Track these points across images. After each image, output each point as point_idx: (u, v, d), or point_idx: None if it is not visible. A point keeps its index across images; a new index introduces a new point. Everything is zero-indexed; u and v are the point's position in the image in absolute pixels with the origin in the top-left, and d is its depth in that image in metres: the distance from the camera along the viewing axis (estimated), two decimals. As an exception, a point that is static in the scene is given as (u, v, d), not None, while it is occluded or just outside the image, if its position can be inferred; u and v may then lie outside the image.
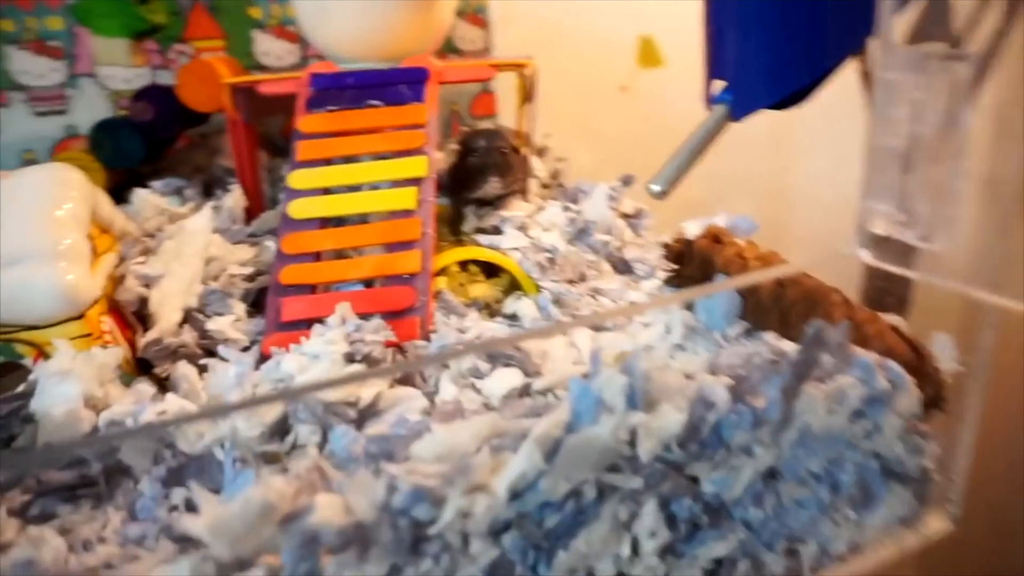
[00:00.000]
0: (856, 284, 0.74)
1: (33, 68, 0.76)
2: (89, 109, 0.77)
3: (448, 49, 0.93)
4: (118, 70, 0.77)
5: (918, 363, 0.43)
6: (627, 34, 1.08)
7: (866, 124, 0.40)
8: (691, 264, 0.49)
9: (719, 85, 0.43)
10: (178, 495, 0.35)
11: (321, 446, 0.37)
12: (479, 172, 0.57)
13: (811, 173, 0.95)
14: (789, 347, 0.43)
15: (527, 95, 0.64)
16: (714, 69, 0.43)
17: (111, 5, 0.68)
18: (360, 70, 0.59)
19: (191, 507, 0.34)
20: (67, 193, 0.44)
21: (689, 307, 0.51)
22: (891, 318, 0.46)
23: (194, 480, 0.35)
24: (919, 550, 0.46)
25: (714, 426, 0.35)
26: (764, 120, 0.51)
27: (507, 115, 0.98)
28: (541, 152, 0.85)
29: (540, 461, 0.31)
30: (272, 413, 0.37)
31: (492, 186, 0.57)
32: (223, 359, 0.41)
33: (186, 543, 0.30)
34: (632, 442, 0.33)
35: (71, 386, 0.35)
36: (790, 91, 0.41)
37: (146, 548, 0.31)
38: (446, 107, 0.97)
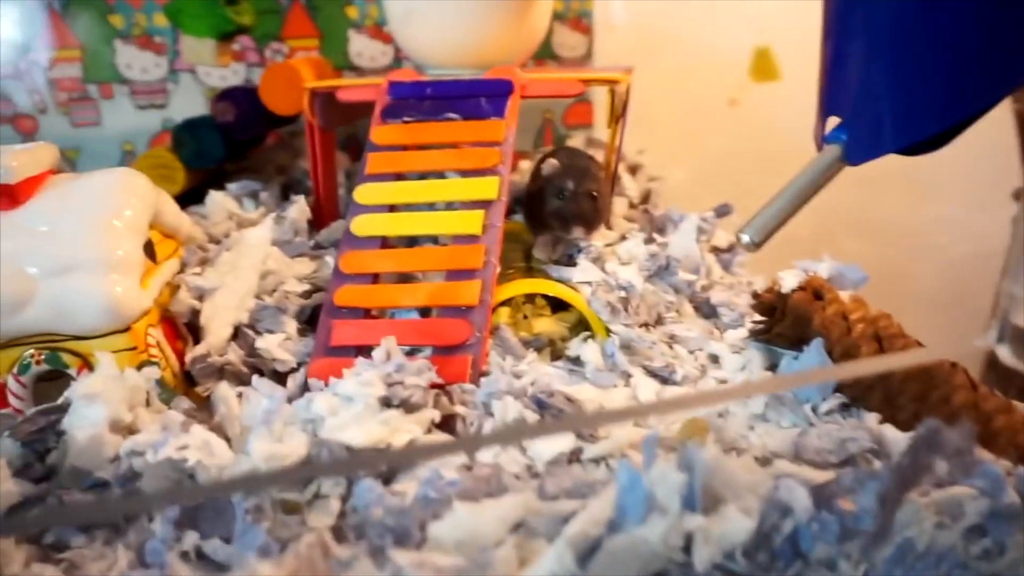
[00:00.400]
0: (979, 356, 0.64)
1: (137, 62, 0.78)
2: (186, 104, 0.79)
3: (546, 54, 0.89)
4: (215, 68, 0.78)
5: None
6: (741, 43, 1.00)
7: (1017, 173, 0.33)
8: (783, 321, 0.43)
9: (834, 121, 0.37)
10: (190, 540, 0.32)
11: (345, 498, 0.34)
12: (563, 219, 0.52)
13: (938, 219, 0.84)
14: (894, 436, 0.37)
15: (618, 114, 0.59)
16: (830, 102, 0.37)
17: (200, 5, 0.69)
18: (440, 80, 0.56)
19: (201, 555, 0.32)
20: (128, 200, 0.43)
21: (773, 367, 0.44)
22: (1027, 408, 0.38)
23: (208, 525, 0.33)
24: None
25: (790, 535, 0.29)
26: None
27: (602, 125, 0.93)
28: (633, 170, 0.80)
29: (573, 565, 0.26)
30: (295, 455, 0.34)
31: (576, 234, 0.52)
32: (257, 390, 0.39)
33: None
34: (687, 547, 0.28)
35: (98, 410, 0.34)
36: (924, 136, 0.34)
37: (143, 602, 0.29)
38: (539, 116, 0.93)
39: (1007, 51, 0.33)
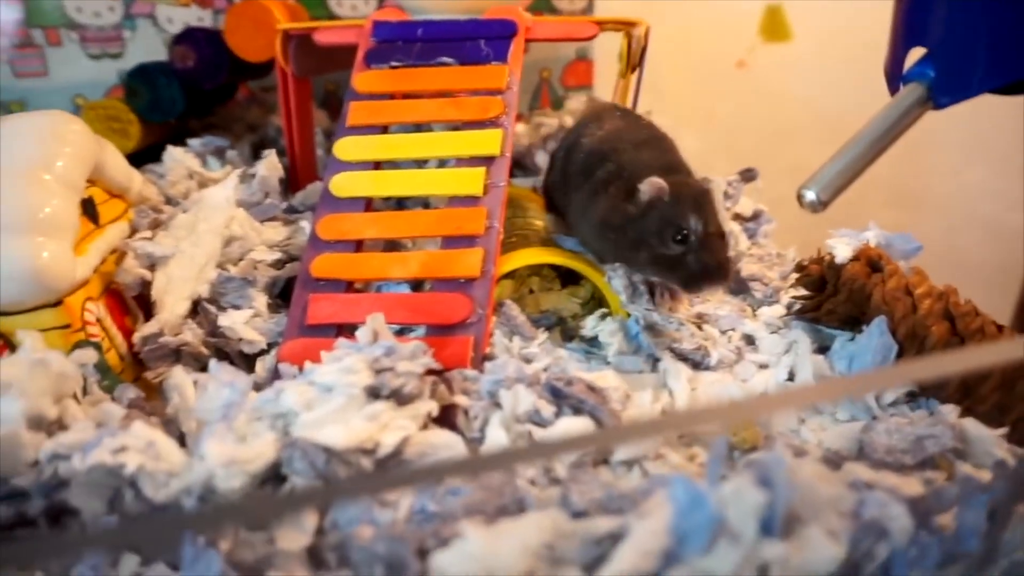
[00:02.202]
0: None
1: (89, 5, 0.69)
2: (144, 53, 0.70)
3: (543, 6, 0.81)
4: (175, 12, 0.70)
5: None
6: (751, 2, 0.93)
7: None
8: (836, 296, 0.37)
9: (915, 55, 0.30)
10: (129, 567, 0.26)
11: (323, 509, 0.28)
12: (691, 276, 0.37)
13: (979, 187, 0.77)
14: (979, 433, 0.31)
15: (634, 62, 0.52)
16: (911, 30, 0.30)
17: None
18: (433, 20, 0.49)
19: (142, 587, 0.26)
20: (59, 149, 0.36)
21: (823, 349, 0.39)
22: None
23: (152, 544, 0.26)
24: None
25: (884, 563, 0.23)
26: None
27: (604, 86, 0.86)
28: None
29: (620, 609, 0.20)
30: (260, 460, 0.28)
31: (705, 294, 0.40)
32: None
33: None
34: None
35: (12, 403, 0.27)
36: (1028, 69, 0.28)
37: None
38: (536, 74, 0.86)
39: None
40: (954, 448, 0.30)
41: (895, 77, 0.31)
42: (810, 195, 0.30)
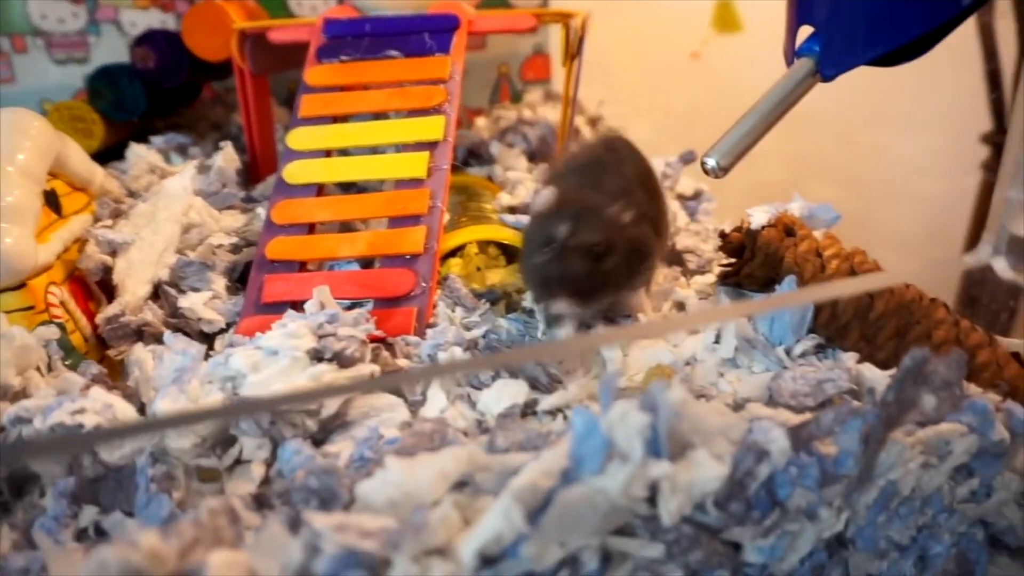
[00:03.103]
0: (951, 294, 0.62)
1: (53, 12, 0.71)
2: (109, 58, 0.72)
3: (498, 2, 0.84)
4: (138, 16, 0.72)
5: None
6: (702, -3, 0.96)
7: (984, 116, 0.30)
8: (753, 260, 0.40)
9: (806, 32, 0.33)
10: (88, 515, 0.28)
11: (270, 462, 0.31)
12: (541, 282, 0.37)
13: (906, 163, 0.81)
14: (874, 375, 0.34)
15: (572, 51, 0.55)
16: (801, 10, 0.33)
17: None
18: (380, 16, 0.52)
19: (100, 531, 0.28)
20: (19, 143, 0.38)
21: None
22: (1011, 342, 0.36)
23: (110, 497, 0.29)
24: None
25: (766, 482, 0.26)
26: (857, 86, 0.40)
27: (560, 79, 0.89)
28: (594, 122, 0.76)
29: (521, 521, 0.23)
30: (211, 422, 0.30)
31: (555, 306, 0.36)
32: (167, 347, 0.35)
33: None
34: (652, 499, 0.25)
35: (-25, 372, 0.30)
36: (902, 42, 0.31)
37: (26, 585, 0.25)
38: (494, 70, 0.89)
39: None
40: (850, 390, 0.33)
41: (789, 53, 0.34)
42: (711, 162, 0.33)
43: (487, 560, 0.23)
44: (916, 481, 0.29)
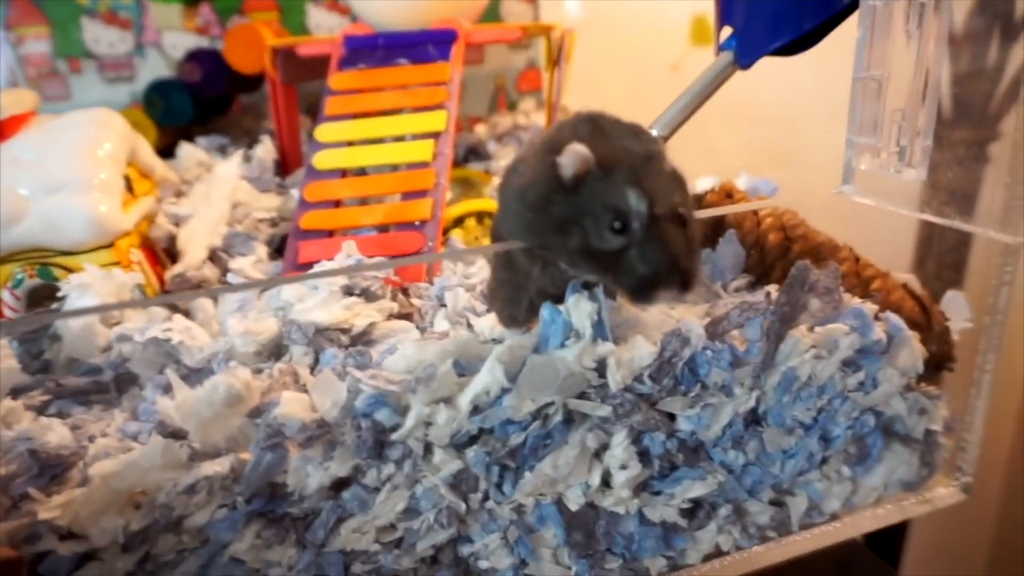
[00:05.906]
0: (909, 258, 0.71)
1: (104, 38, 0.82)
2: (153, 76, 0.83)
3: (492, 20, 0.94)
4: (179, 38, 0.82)
5: (925, 321, 0.42)
6: (681, 11, 1.06)
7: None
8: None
9: (727, 32, 0.43)
10: (177, 402, 0.37)
11: (313, 368, 0.39)
12: (640, 280, 0.28)
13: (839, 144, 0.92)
14: (788, 298, 0.42)
15: (553, 58, 0.64)
16: (725, 15, 0.43)
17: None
18: (392, 32, 0.61)
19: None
20: (107, 135, 0.48)
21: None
22: (903, 276, 0.44)
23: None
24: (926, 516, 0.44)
25: (688, 362, 0.35)
26: (823, 89, 0.49)
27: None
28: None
29: (503, 378, 0.32)
30: (267, 333, 0.39)
31: (661, 300, 0.29)
32: (229, 284, 0.44)
33: (172, 437, 0.32)
34: (602, 372, 0.34)
35: (90, 300, 0.39)
36: (797, 34, 0.40)
37: (139, 442, 0.33)
38: (492, 82, 0.99)
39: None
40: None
41: (717, 47, 0.43)
42: (654, 132, 0.42)
43: (478, 408, 0.32)
44: (812, 370, 0.38)
